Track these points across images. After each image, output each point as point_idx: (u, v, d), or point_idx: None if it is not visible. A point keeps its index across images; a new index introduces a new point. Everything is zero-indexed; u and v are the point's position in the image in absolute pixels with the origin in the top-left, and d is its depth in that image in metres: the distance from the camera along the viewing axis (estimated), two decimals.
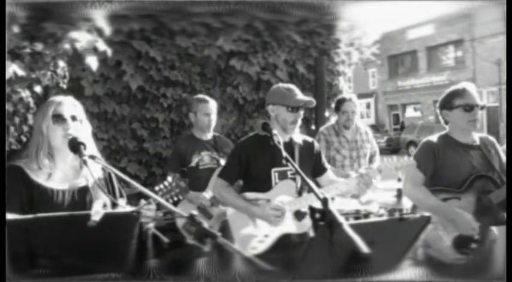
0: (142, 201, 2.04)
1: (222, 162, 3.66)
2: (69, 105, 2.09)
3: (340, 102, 4.21)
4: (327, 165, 2.97)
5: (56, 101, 2.09)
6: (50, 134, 2.03)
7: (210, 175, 3.63)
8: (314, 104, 2.83)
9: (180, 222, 3.47)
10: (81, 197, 2.05)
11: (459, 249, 2.68)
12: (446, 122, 2.94)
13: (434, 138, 2.94)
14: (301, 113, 2.78)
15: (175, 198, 2.25)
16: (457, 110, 2.84)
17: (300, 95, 2.79)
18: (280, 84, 2.90)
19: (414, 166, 2.74)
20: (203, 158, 3.72)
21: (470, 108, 2.82)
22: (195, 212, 1.74)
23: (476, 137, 2.92)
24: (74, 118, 2.06)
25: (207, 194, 3.55)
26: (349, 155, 4.15)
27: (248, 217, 2.71)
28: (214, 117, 3.81)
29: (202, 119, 3.77)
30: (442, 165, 2.81)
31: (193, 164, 3.69)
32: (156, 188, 2.19)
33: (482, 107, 2.87)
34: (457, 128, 2.88)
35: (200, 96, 4.01)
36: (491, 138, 2.98)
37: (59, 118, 2.04)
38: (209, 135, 3.84)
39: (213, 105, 3.83)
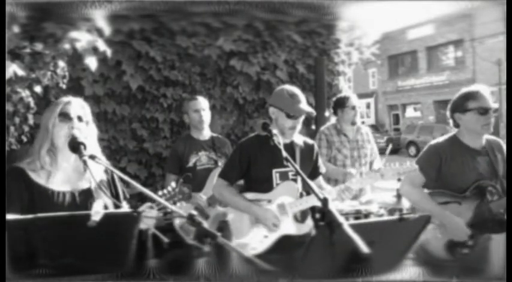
0: (147, 204, 2.03)
1: (220, 162, 3.67)
2: (77, 106, 2.10)
3: (346, 98, 4.21)
4: (322, 170, 2.96)
5: (64, 100, 2.11)
6: (55, 131, 2.03)
7: (208, 175, 3.63)
8: (315, 114, 2.84)
9: (177, 223, 3.47)
10: (83, 199, 2.05)
11: (452, 253, 2.67)
12: (457, 125, 2.87)
13: (441, 140, 2.88)
14: (301, 119, 2.77)
15: (178, 204, 2.24)
16: (471, 113, 2.77)
17: (303, 104, 2.76)
18: (285, 88, 2.85)
19: (417, 171, 2.72)
20: (201, 158, 3.72)
21: (485, 111, 2.76)
22: (194, 212, 1.73)
23: (484, 140, 2.86)
24: (80, 118, 2.07)
25: (204, 195, 3.54)
26: (351, 155, 4.15)
27: (248, 217, 2.71)
28: (206, 114, 3.80)
29: (194, 116, 3.77)
30: (448, 171, 2.78)
31: (190, 164, 3.69)
32: (160, 193, 2.19)
33: (496, 110, 2.81)
34: (469, 132, 2.82)
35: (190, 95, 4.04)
36: (499, 141, 2.91)
37: (65, 117, 2.04)
38: (206, 136, 3.83)
39: (202, 101, 3.83)
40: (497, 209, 2.69)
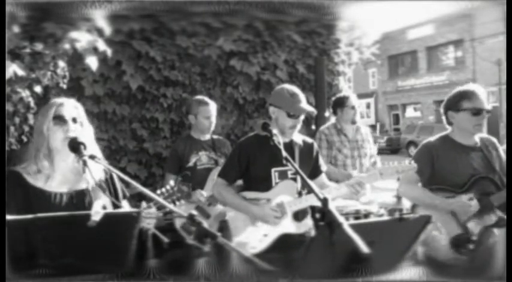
0: (143, 204, 2.03)
1: (220, 162, 3.67)
2: (71, 107, 2.08)
3: (345, 98, 4.23)
4: (323, 168, 2.97)
5: (57, 102, 2.08)
6: (51, 135, 2.02)
7: (208, 175, 3.63)
8: (315, 113, 2.84)
9: (178, 223, 3.47)
10: (80, 199, 2.04)
11: (457, 249, 2.68)
12: (450, 123, 2.90)
13: (433, 139, 2.92)
14: (301, 118, 2.78)
15: (177, 203, 2.24)
16: (464, 113, 2.79)
17: (303, 103, 2.77)
18: (285, 87, 2.86)
19: (414, 170, 2.72)
20: (201, 158, 3.72)
21: (478, 112, 2.78)
22: (194, 212, 1.74)
23: (477, 138, 2.89)
24: (74, 120, 2.06)
25: (205, 192, 3.55)
26: (351, 154, 4.16)
27: (248, 217, 2.71)
28: (214, 120, 3.81)
29: (203, 122, 3.76)
30: (442, 167, 2.80)
31: (191, 164, 3.69)
32: (158, 192, 2.19)
33: (488, 111, 2.82)
34: (460, 130, 2.85)
35: (200, 97, 3.97)
36: (493, 139, 2.95)
37: (60, 120, 2.03)
38: (207, 136, 3.84)
39: (213, 107, 3.82)
40: (498, 202, 2.70)
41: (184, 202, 3.46)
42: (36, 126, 2.07)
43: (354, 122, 4.19)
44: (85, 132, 2.08)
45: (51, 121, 2.02)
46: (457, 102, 2.83)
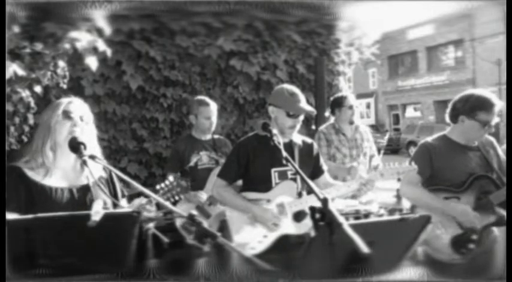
0: (143, 200, 2.04)
1: (221, 162, 3.67)
2: (79, 106, 2.13)
3: (343, 98, 4.22)
4: (325, 168, 2.96)
5: (67, 100, 2.14)
6: (58, 129, 2.05)
7: (209, 175, 3.63)
8: (315, 113, 2.84)
9: (178, 222, 3.47)
10: (82, 195, 2.06)
11: (457, 249, 2.68)
12: (454, 122, 2.89)
13: (431, 139, 2.92)
14: (301, 118, 2.77)
15: (177, 198, 2.25)
16: (476, 122, 2.78)
17: (303, 103, 2.77)
18: (285, 87, 2.86)
19: (415, 171, 2.72)
20: (202, 158, 3.72)
21: (488, 125, 2.78)
22: (194, 212, 1.74)
23: None
24: (81, 118, 2.09)
25: (204, 193, 3.54)
26: (350, 154, 4.16)
27: (247, 217, 2.71)
28: (214, 120, 3.81)
29: (204, 123, 3.76)
30: (440, 166, 2.81)
31: (192, 163, 3.69)
32: (157, 187, 2.20)
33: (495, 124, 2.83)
34: (463, 134, 2.86)
35: (201, 98, 3.97)
36: (490, 138, 2.95)
37: (67, 115, 2.06)
38: (208, 136, 3.84)
39: (214, 107, 3.82)
40: (497, 200, 2.71)
41: (184, 202, 3.49)
42: (43, 121, 2.09)
43: (351, 122, 4.18)
44: (89, 131, 2.10)
45: (59, 116, 2.05)
46: (474, 110, 2.79)
